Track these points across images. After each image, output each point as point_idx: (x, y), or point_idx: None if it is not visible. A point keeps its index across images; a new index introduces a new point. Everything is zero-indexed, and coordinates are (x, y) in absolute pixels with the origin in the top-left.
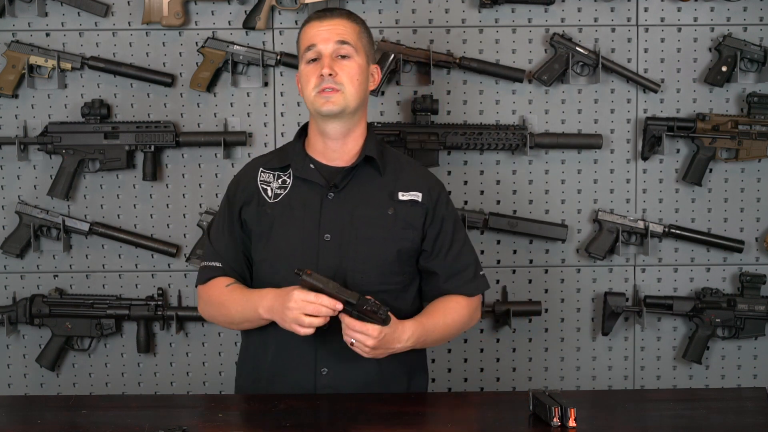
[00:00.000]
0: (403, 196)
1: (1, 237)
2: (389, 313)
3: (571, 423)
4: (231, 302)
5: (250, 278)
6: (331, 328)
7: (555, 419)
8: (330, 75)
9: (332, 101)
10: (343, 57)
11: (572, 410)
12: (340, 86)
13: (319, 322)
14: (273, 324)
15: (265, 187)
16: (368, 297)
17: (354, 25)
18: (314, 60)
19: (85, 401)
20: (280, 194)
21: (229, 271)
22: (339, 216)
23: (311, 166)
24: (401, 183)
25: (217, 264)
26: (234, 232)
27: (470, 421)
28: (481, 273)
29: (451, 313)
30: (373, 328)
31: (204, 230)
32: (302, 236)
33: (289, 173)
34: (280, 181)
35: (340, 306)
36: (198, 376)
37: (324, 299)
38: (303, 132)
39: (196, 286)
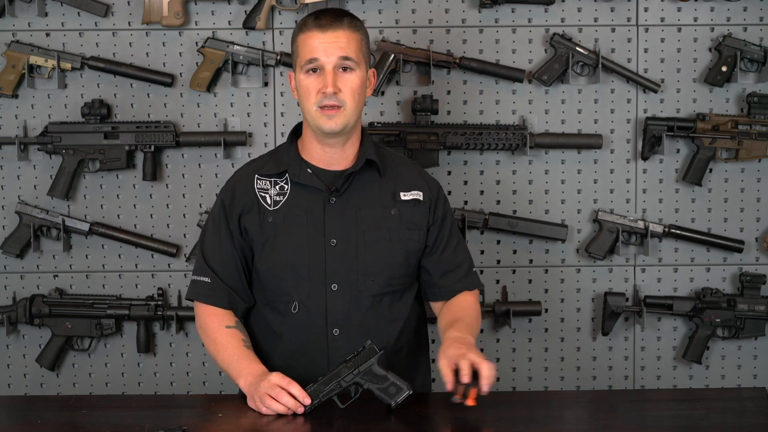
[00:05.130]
0: (404, 196)
1: (1, 237)
2: (374, 347)
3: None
4: (222, 349)
5: (250, 287)
6: (341, 335)
7: (458, 396)
8: (333, 93)
9: (334, 120)
10: (345, 69)
11: (473, 390)
12: (342, 103)
13: (277, 407)
14: (276, 340)
15: (263, 194)
16: (348, 361)
17: (356, 35)
18: (314, 70)
19: (85, 401)
20: (280, 201)
21: (219, 289)
22: (343, 220)
23: (309, 171)
24: (401, 183)
25: (206, 279)
26: (233, 241)
27: (470, 421)
28: (474, 269)
29: (468, 309)
30: (486, 367)
31: None
32: (308, 243)
33: (286, 179)
34: (277, 187)
35: (308, 401)
36: (198, 376)
37: (294, 388)
38: (295, 134)
39: (186, 298)
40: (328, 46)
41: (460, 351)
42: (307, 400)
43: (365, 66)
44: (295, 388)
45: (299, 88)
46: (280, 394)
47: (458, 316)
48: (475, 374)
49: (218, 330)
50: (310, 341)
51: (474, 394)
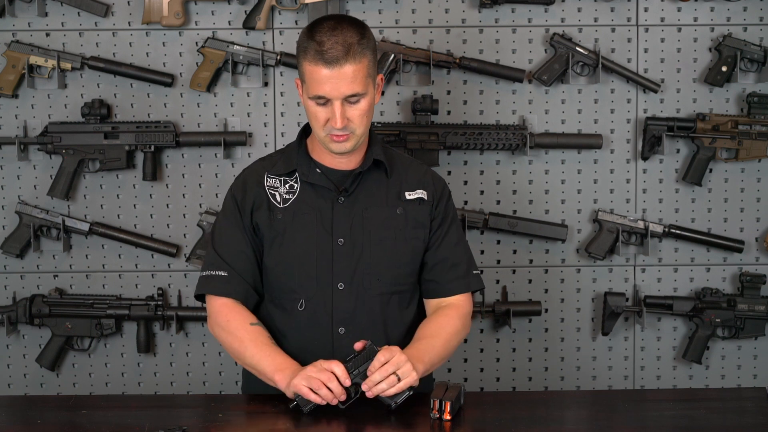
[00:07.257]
0: (410, 195)
1: (1, 237)
2: (374, 347)
3: (446, 416)
4: (251, 345)
5: (261, 284)
6: (347, 333)
7: (434, 411)
8: (342, 126)
9: (344, 144)
10: (353, 101)
11: (447, 403)
12: (351, 130)
13: (315, 398)
14: (281, 338)
15: (273, 192)
16: (349, 361)
17: (362, 63)
18: (322, 100)
19: (85, 401)
20: (290, 199)
21: (235, 282)
22: (350, 220)
23: (318, 171)
24: (407, 182)
25: (223, 273)
26: (247, 235)
27: (471, 421)
28: (474, 272)
29: (444, 329)
30: (384, 356)
31: (204, 230)
32: (316, 241)
33: (296, 178)
34: (287, 186)
35: (343, 396)
36: (198, 376)
37: (334, 384)
38: (304, 133)
39: (195, 296)
40: (335, 83)
41: (394, 353)
42: (343, 396)
43: (373, 84)
44: (335, 384)
45: (307, 110)
46: (319, 385)
47: (429, 333)
48: (446, 388)
49: (243, 327)
50: (316, 339)
51: (448, 408)
